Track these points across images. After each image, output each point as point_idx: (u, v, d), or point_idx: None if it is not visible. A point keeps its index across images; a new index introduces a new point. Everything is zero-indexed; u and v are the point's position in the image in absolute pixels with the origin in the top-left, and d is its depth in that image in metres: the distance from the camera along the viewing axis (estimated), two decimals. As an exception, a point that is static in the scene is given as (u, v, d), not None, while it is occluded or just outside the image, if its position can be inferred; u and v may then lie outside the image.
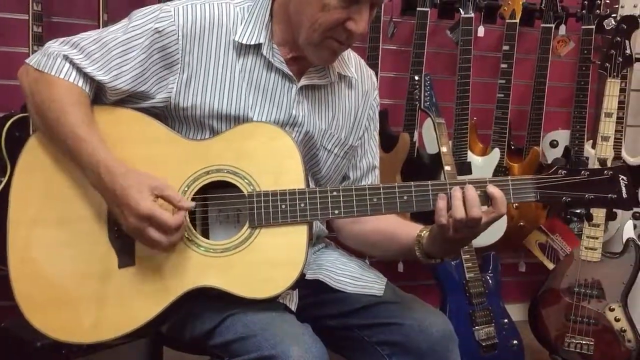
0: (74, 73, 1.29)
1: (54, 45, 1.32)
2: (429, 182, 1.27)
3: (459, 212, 1.22)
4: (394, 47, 2.77)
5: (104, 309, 1.27)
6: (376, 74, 2.48)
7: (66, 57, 1.29)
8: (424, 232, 1.35)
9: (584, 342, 2.43)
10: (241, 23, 1.35)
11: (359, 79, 1.52)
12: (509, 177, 1.28)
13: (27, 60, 1.33)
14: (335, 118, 1.46)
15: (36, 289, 1.28)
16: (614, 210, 1.34)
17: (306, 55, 1.35)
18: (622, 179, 1.27)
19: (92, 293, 1.27)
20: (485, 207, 1.24)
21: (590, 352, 2.42)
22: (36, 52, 1.33)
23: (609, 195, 1.27)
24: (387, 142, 2.57)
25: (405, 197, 1.27)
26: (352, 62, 1.51)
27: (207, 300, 1.29)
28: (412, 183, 1.27)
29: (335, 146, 1.47)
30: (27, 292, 1.28)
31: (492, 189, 1.24)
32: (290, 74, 1.37)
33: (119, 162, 1.24)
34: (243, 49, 1.36)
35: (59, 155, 1.30)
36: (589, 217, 1.34)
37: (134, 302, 1.27)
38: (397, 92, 2.75)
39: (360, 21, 1.27)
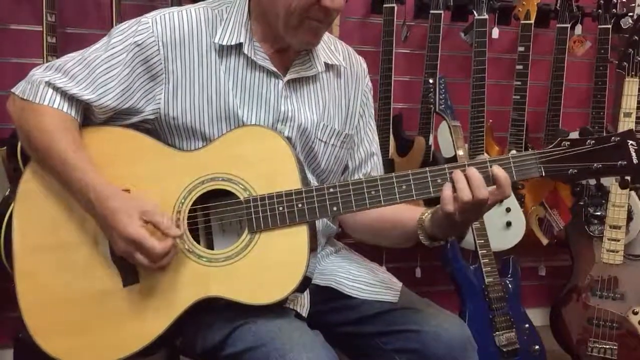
0: (58, 98, 1.29)
1: (38, 72, 1.32)
2: (427, 169, 1.24)
3: (466, 195, 1.19)
4: (408, 51, 2.75)
5: (114, 329, 1.27)
6: (390, 78, 2.49)
7: (49, 83, 1.29)
8: (426, 214, 1.33)
9: (607, 346, 2.38)
10: (220, 25, 1.35)
11: (348, 67, 1.50)
12: (510, 155, 1.23)
13: (13, 89, 1.33)
14: (326, 108, 1.45)
15: (46, 316, 1.28)
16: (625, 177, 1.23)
17: (289, 44, 1.34)
18: (631, 144, 1.19)
19: (101, 314, 1.27)
20: (489, 188, 1.21)
21: (614, 357, 2.38)
22: (21, 80, 1.34)
23: (618, 162, 1.20)
24: (402, 146, 2.56)
25: (404, 187, 1.24)
26: (339, 51, 1.50)
27: (216, 312, 1.29)
28: (409, 171, 1.25)
29: (331, 137, 1.45)
30: (37, 320, 1.28)
31: (497, 170, 1.21)
32: (275, 69, 1.37)
33: (108, 185, 1.24)
34: (225, 51, 1.35)
35: (55, 182, 1.30)
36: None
37: (142, 319, 1.26)
38: (412, 95, 2.74)
39: None
